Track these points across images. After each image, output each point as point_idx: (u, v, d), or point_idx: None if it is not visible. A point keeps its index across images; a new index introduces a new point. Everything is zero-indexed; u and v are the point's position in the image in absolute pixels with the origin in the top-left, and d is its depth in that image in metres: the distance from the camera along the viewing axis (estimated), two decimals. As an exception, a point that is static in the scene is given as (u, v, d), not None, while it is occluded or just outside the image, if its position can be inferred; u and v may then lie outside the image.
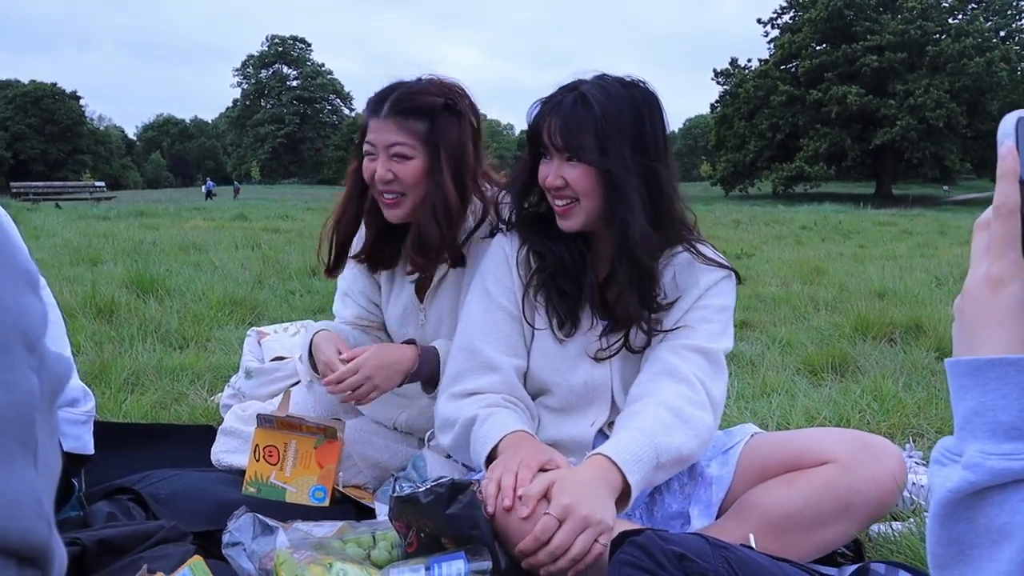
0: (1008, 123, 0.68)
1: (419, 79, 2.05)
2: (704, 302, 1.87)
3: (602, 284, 1.90)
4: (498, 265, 1.93)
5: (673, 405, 1.71)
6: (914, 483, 2.12)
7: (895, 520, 2.01)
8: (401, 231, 2.08)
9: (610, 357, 1.87)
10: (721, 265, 1.90)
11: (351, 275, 2.24)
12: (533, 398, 1.92)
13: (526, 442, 1.71)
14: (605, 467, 1.59)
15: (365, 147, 2.01)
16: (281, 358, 2.52)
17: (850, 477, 1.68)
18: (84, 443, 2.00)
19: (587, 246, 1.88)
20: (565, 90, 1.79)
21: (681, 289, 1.87)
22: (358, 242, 2.16)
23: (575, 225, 1.81)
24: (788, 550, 1.64)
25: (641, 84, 1.82)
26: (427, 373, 2.06)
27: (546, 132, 1.77)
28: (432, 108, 1.97)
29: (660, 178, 1.78)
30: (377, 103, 2.00)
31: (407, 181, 1.98)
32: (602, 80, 1.80)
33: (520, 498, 1.53)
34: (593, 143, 1.73)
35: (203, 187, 46.71)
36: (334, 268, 2.18)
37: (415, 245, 2.02)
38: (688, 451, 1.70)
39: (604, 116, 1.73)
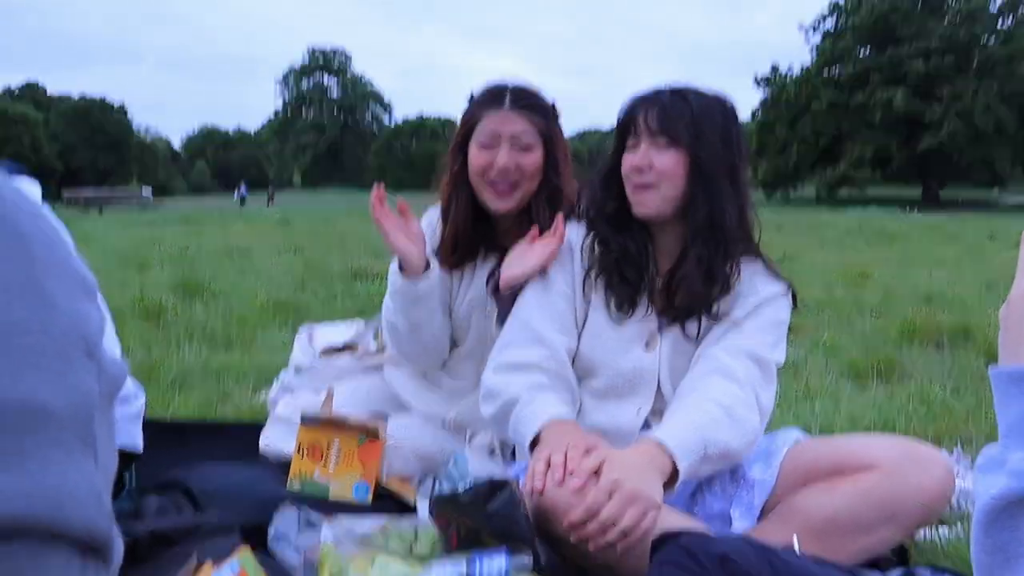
0: None
1: (509, 82, 2.11)
2: (763, 311, 1.89)
3: (663, 277, 1.93)
4: (561, 250, 1.98)
5: (724, 403, 1.73)
6: (962, 489, 2.09)
7: (942, 525, 1.98)
8: (484, 226, 2.15)
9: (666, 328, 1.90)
10: (782, 280, 1.95)
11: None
12: (578, 381, 1.94)
13: (570, 429, 1.74)
14: (655, 451, 1.62)
15: (481, 139, 2.06)
16: (333, 349, 2.54)
17: (894, 484, 1.66)
18: (134, 439, 2.05)
19: (651, 239, 1.93)
20: (658, 88, 1.88)
21: (740, 295, 1.89)
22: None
23: (649, 210, 1.86)
24: (830, 555, 1.62)
25: (727, 98, 1.92)
26: None
27: (641, 118, 1.83)
28: (545, 106, 2.09)
29: (741, 178, 1.87)
30: (495, 98, 2.07)
31: (528, 170, 2.05)
32: (693, 87, 1.89)
33: (571, 473, 1.55)
34: (688, 130, 1.80)
35: (235, 193, 47.16)
36: (459, 261, 2.21)
37: (524, 226, 2.07)
38: (735, 448, 1.72)
39: (700, 108, 1.83)
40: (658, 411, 1.90)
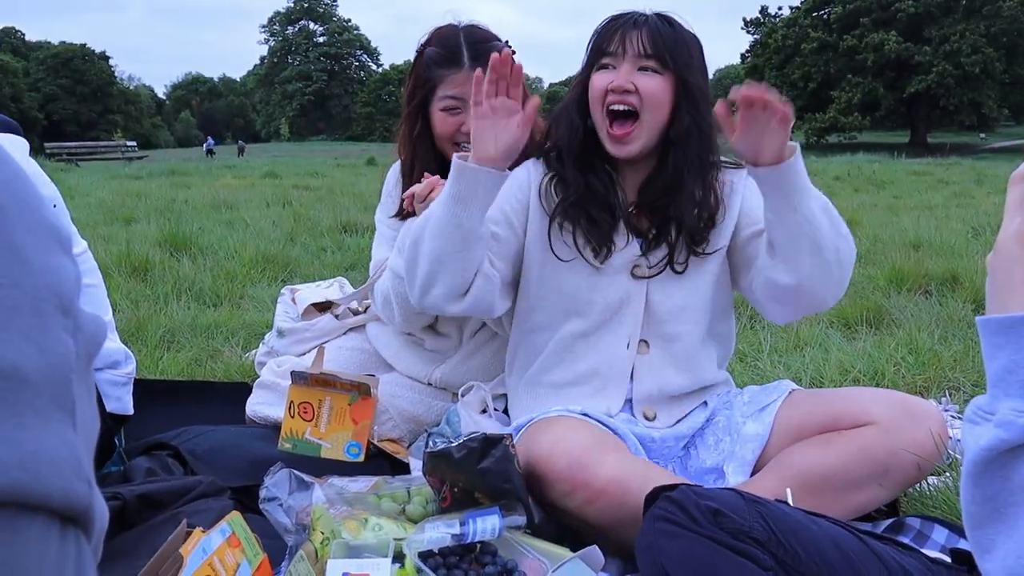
0: None
1: (455, 24, 2.04)
2: (751, 203, 1.88)
3: (634, 203, 1.88)
4: (514, 178, 1.88)
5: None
6: (951, 437, 2.10)
7: (931, 474, 1.99)
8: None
9: (651, 276, 1.86)
10: (738, 164, 1.90)
11: (393, 222, 2.22)
12: (558, 328, 1.89)
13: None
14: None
15: (445, 102, 1.98)
16: (316, 305, 2.53)
17: (890, 440, 1.66)
18: (124, 404, 2.04)
19: (616, 169, 1.87)
20: (633, 12, 1.81)
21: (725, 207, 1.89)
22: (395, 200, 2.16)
23: (634, 150, 1.79)
24: (824, 510, 1.62)
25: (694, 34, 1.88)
26: None
27: (629, 40, 1.76)
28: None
29: (710, 104, 1.78)
30: (451, 55, 1.98)
31: None
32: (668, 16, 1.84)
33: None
34: (680, 54, 1.76)
35: (204, 145, 47.69)
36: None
37: None
38: (831, 237, 1.67)
39: (686, 35, 1.80)
40: (648, 343, 1.87)
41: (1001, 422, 0.64)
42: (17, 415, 0.39)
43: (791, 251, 1.69)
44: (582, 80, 1.84)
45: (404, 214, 2.11)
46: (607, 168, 1.86)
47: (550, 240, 1.87)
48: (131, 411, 2.08)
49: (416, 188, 1.94)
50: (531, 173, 1.91)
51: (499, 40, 2.01)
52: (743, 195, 1.89)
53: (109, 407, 1.95)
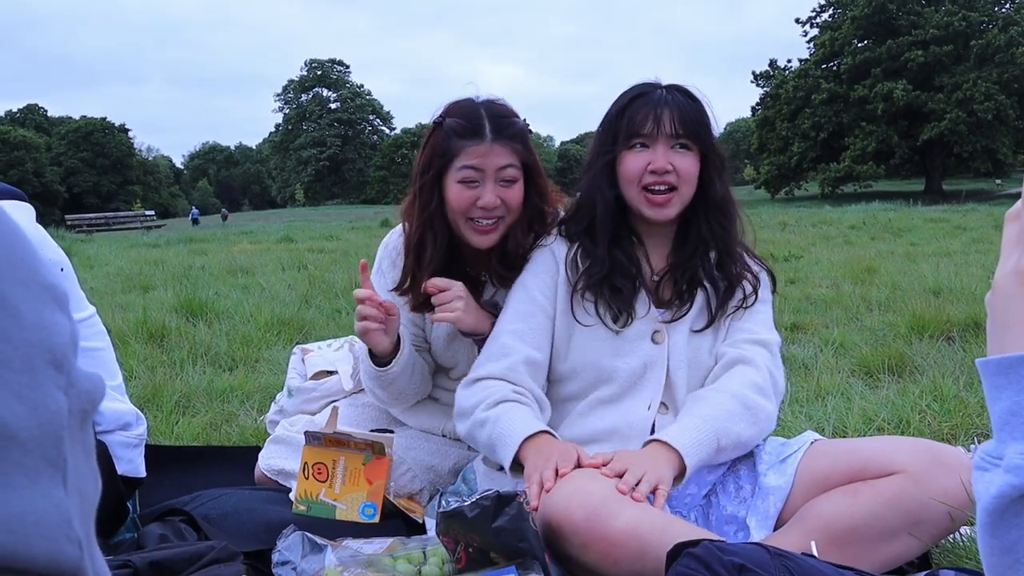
0: None
1: (474, 99, 2.00)
2: (753, 300, 1.99)
3: (660, 273, 1.97)
4: (541, 263, 1.99)
5: (737, 392, 1.80)
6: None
7: (963, 524, 1.93)
8: (453, 257, 2.07)
9: (672, 342, 1.93)
10: (760, 261, 2.05)
11: (394, 295, 2.14)
12: (586, 396, 1.93)
13: (547, 441, 1.74)
14: (664, 450, 1.68)
15: (464, 172, 1.92)
16: (324, 372, 2.52)
17: (920, 490, 1.61)
18: (136, 466, 2.02)
19: (640, 241, 1.97)
20: (653, 87, 1.91)
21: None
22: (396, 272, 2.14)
23: (672, 213, 1.90)
24: (852, 563, 1.58)
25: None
26: None
27: (663, 121, 1.85)
28: (523, 131, 1.98)
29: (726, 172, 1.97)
30: (473, 127, 1.93)
31: (513, 204, 1.97)
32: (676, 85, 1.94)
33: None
34: (704, 132, 1.89)
35: (189, 215, 51.13)
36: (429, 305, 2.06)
37: (505, 260, 2.03)
38: (747, 437, 1.79)
39: (704, 108, 1.91)
40: (667, 405, 1.91)
41: (1010, 467, 0.61)
42: (3, 474, 0.38)
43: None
44: (611, 157, 1.91)
45: (419, 301, 2.08)
46: (633, 239, 1.97)
47: (572, 307, 1.93)
48: (143, 474, 2.06)
49: (440, 284, 1.96)
50: (555, 251, 1.99)
51: (518, 117, 2.00)
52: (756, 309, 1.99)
53: (120, 469, 1.93)
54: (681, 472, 1.67)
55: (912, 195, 31.56)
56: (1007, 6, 46.85)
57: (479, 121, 1.92)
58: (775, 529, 1.74)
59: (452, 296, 1.95)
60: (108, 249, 13.49)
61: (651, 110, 1.86)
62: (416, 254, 2.04)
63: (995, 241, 11.03)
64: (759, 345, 1.91)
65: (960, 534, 1.85)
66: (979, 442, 2.58)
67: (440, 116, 1.99)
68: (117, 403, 1.99)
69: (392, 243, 2.21)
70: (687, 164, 1.87)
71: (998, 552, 0.62)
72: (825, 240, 12.19)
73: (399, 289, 2.10)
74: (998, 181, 49.17)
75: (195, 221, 45.00)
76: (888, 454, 1.68)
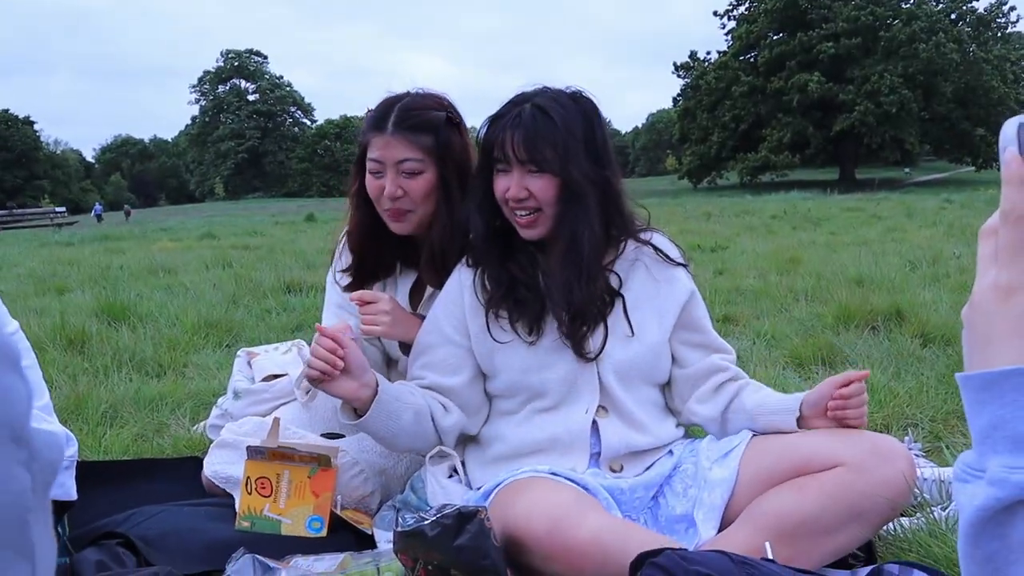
0: (1009, 129, 0.67)
1: (409, 92, 2.05)
2: (696, 301, 2.02)
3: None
4: (448, 292, 2.00)
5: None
6: (921, 477, 2.10)
7: (903, 516, 1.98)
8: (393, 241, 2.11)
9: (596, 357, 1.91)
10: (680, 260, 2.04)
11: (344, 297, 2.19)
12: (522, 409, 1.94)
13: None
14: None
15: (369, 164, 2.01)
16: (274, 376, 2.45)
17: (862, 481, 1.65)
18: (68, 489, 1.93)
19: (540, 250, 1.94)
20: (516, 104, 1.85)
21: (661, 279, 1.98)
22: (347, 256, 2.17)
23: (539, 233, 1.88)
24: (802, 557, 1.62)
25: (584, 95, 1.90)
26: None
27: (509, 145, 1.81)
28: (436, 122, 1.99)
29: (611, 184, 1.87)
30: (379, 119, 2.00)
31: (417, 196, 2.00)
32: (550, 93, 1.86)
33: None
34: (555, 154, 1.80)
35: (93, 211, 50.18)
36: (363, 281, 2.18)
37: (434, 261, 2.04)
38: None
39: (564, 127, 1.81)
40: (606, 408, 1.91)
41: (993, 480, 0.62)
42: None
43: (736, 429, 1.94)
44: (484, 180, 1.90)
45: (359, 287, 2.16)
46: (530, 250, 1.94)
47: (488, 328, 1.93)
48: (75, 496, 1.96)
49: (366, 296, 1.99)
50: (461, 277, 1.99)
51: (437, 110, 2.00)
52: (687, 303, 2.00)
53: (51, 494, 1.84)
54: None
55: (827, 183, 32.58)
56: (911, 1, 48.61)
57: (385, 113, 1.99)
58: (723, 524, 1.75)
59: (377, 310, 1.97)
60: (16, 249, 12.95)
61: (499, 134, 1.83)
62: (354, 241, 2.15)
63: (908, 229, 11.45)
64: (725, 353, 2.04)
65: (900, 525, 1.90)
66: (912, 433, 2.65)
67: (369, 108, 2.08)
68: (46, 424, 1.89)
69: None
70: (541, 187, 1.82)
71: (979, 562, 0.64)
72: (749, 230, 12.46)
73: (348, 270, 2.17)
74: (906, 170, 51.10)
75: (99, 218, 43.94)
76: (830, 447, 1.72)
